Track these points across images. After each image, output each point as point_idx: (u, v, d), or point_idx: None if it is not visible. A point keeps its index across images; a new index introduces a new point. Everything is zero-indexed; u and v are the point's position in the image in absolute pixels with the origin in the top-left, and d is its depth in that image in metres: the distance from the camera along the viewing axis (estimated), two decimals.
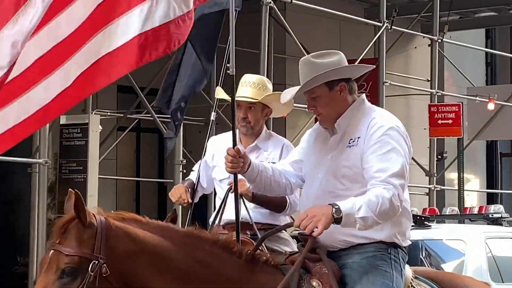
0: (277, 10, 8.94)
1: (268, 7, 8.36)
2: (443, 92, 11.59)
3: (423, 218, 6.89)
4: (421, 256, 6.65)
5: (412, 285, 2.76)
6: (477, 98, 12.05)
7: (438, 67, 11.31)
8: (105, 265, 2.15)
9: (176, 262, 2.34)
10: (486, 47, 14.97)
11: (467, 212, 8.26)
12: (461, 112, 11.16)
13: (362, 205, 2.20)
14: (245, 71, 3.90)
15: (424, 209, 8.18)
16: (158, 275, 2.30)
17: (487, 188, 14.00)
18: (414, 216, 6.10)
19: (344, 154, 2.42)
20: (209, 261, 2.39)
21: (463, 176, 12.04)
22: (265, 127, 3.78)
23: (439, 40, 10.98)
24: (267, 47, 8.60)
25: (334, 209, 2.15)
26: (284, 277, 2.32)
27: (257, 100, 3.61)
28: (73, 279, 2.11)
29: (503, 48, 13.93)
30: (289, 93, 2.61)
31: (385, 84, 10.16)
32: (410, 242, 2.72)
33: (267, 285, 2.41)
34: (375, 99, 9.31)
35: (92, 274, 2.11)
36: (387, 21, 9.95)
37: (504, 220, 7.47)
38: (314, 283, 2.44)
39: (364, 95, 2.64)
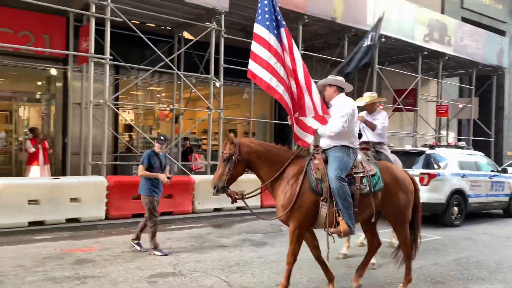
0: (379, 71, 13.80)
1: (376, 69, 13.51)
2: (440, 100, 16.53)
3: (434, 146, 9.86)
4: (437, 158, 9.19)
5: (362, 163, 4.50)
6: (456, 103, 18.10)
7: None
8: (239, 156, 4.18)
9: (264, 154, 4.30)
10: None
11: (453, 144, 10.93)
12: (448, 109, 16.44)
13: (325, 128, 4.33)
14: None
15: (435, 143, 11.08)
16: (258, 159, 4.29)
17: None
18: (431, 146, 9.67)
19: (332, 112, 4.41)
20: (277, 153, 4.38)
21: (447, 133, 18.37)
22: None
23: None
24: (375, 84, 13.20)
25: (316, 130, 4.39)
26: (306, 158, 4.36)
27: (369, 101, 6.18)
28: (228, 161, 4.18)
29: None
30: (321, 84, 4.54)
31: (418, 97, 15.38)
32: (358, 147, 4.53)
33: (299, 163, 4.33)
34: (415, 103, 15.40)
35: (233, 159, 4.17)
36: (420, 75, 15.03)
37: (463, 147, 10.46)
38: (316, 161, 4.35)
39: (344, 93, 4.51)
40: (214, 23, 10.15)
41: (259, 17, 4.87)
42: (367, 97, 6.38)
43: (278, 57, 4.68)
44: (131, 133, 13.27)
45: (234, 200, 4.24)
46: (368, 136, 6.20)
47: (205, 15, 10.44)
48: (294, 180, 4.24)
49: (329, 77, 4.71)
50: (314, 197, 4.22)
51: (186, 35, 12.19)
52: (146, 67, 10.19)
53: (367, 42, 9.11)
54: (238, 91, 14.92)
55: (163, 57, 9.84)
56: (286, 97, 4.49)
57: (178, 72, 10.85)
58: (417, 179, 8.62)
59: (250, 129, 13.85)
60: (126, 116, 12.79)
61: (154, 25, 11.87)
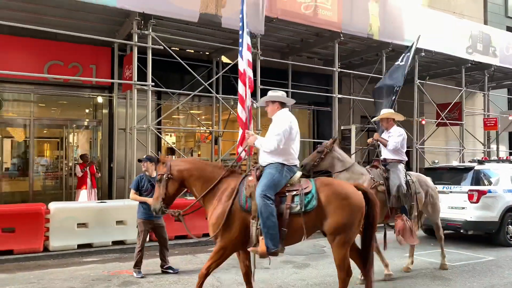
0: (420, 86, 13.40)
1: (417, 84, 13.18)
2: (488, 113, 16.17)
3: (483, 161, 9.66)
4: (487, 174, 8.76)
5: (299, 180, 4.37)
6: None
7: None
8: (170, 175, 4.26)
9: (196, 171, 4.32)
10: None
11: (505, 158, 10.85)
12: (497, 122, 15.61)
13: (261, 142, 4.30)
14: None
15: (484, 157, 11.73)
16: (190, 177, 4.31)
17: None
18: (480, 161, 9.36)
19: (270, 128, 4.36)
20: (211, 170, 4.37)
21: (498, 147, 17.08)
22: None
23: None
24: (417, 98, 13.21)
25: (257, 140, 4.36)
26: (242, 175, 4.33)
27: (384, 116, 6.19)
28: (160, 181, 4.27)
29: None
30: (262, 102, 4.65)
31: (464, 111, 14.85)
32: (295, 164, 4.40)
33: (235, 180, 4.29)
34: (460, 117, 15.00)
35: (165, 179, 4.25)
36: (465, 87, 14.61)
37: None
38: (250, 178, 4.30)
39: (286, 108, 4.53)
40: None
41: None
42: (382, 114, 6.39)
43: (243, 80, 5.48)
44: (173, 156, 13.58)
45: (176, 218, 4.28)
46: (383, 153, 6.18)
47: None
48: (227, 198, 4.17)
49: (270, 92, 4.63)
50: (244, 215, 4.12)
51: (224, 59, 12.48)
52: (186, 92, 10.51)
53: (402, 62, 9.32)
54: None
55: (202, 81, 10.10)
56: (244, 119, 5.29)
57: (217, 95, 11.09)
58: (465, 196, 8.33)
59: None
60: (168, 140, 13.14)
61: (193, 51, 12.26)
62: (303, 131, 15.22)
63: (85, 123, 12.23)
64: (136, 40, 9.02)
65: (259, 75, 10.48)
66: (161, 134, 11.22)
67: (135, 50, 9.05)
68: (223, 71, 11.17)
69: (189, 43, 11.13)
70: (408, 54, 9.70)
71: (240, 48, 6.09)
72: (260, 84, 10.58)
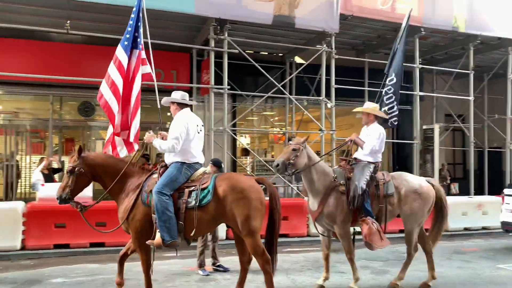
0: None
1: (510, 78, 12.86)
2: None
3: None
4: None
5: (201, 176, 4.61)
6: None
7: None
8: (82, 169, 4.54)
9: (110, 168, 4.63)
10: None
11: None
12: None
13: (160, 143, 4.58)
14: None
15: None
16: (103, 173, 4.62)
17: None
18: None
19: (170, 129, 4.67)
20: (123, 167, 4.64)
21: None
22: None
23: None
24: (511, 94, 12.69)
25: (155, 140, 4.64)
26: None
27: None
28: (71, 174, 4.52)
29: None
30: (165, 102, 4.98)
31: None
32: (197, 161, 4.66)
33: (142, 177, 4.63)
34: None
35: (76, 172, 4.53)
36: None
37: None
38: (154, 176, 4.61)
39: (186, 108, 4.83)
40: (325, 45, 10.17)
41: (123, 39, 5.59)
42: (363, 107, 5.82)
43: (123, 75, 5.32)
44: (248, 157, 13.84)
45: (82, 209, 4.62)
46: (357, 152, 5.70)
47: (315, 38, 10.56)
48: (133, 193, 4.53)
49: (173, 94, 4.88)
50: (146, 210, 4.45)
51: (297, 59, 12.44)
52: (260, 94, 10.66)
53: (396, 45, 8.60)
54: (351, 111, 14.56)
55: (276, 83, 10.16)
56: (117, 116, 5.10)
57: (290, 96, 11.08)
58: None
59: None
60: (243, 141, 13.42)
61: (266, 53, 12.40)
62: None
63: (167, 126, 12.87)
64: (213, 45, 9.34)
65: (334, 74, 10.28)
66: (236, 135, 11.47)
67: (212, 55, 9.38)
68: (297, 71, 11.15)
69: (263, 46, 11.25)
70: (402, 34, 8.79)
71: (128, 36, 5.73)
72: (336, 83, 10.39)
